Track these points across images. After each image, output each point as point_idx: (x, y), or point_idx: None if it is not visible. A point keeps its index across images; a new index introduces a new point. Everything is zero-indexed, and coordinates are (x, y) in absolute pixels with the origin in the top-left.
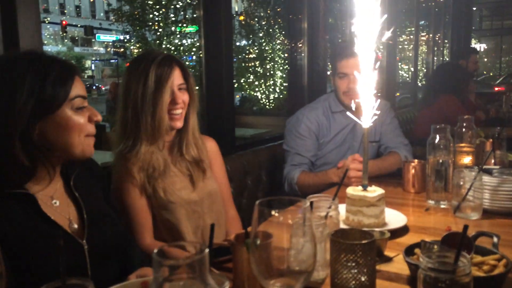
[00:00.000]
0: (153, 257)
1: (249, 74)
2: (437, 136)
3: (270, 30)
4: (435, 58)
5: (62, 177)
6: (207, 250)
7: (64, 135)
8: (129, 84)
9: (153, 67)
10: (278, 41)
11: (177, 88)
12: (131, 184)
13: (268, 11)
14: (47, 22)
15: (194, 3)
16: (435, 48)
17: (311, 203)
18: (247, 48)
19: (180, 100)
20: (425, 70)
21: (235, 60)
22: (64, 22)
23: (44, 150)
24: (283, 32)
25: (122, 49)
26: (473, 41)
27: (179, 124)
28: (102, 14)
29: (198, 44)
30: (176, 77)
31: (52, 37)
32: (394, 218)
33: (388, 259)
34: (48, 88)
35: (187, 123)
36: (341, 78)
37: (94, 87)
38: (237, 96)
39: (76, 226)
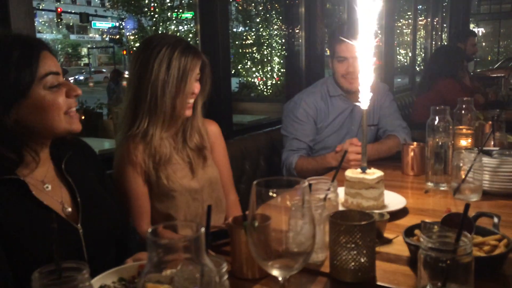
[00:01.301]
0: (148, 237)
1: (246, 60)
2: (437, 118)
3: (267, 15)
4: (434, 43)
5: (53, 160)
6: (203, 229)
7: (42, 117)
8: (148, 66)
9: (177, 54)
10: (275, 27)
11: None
12: (134, 170)
13: None
14: (41, 8)
15: None
16: (434, 33)
17: (310, 185)
18: (244, 34)
19: (197, 90)
20: (423, 55)
21: (232, 46)
22: (59, 9)
23: (24, 135)
24: (280, 18)
25: (117, 36)
26: (471, 25)
27: (189, 112)
28: (97, 1)
29: (194, 30)
30: (198, 68)
31: (47, 24)
32: (393, 200)
33: (388, 241)
34: (12, 72)
35: (195, 111)
36: (340, 61)
37: (90, 75)
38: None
39: (70, 210)
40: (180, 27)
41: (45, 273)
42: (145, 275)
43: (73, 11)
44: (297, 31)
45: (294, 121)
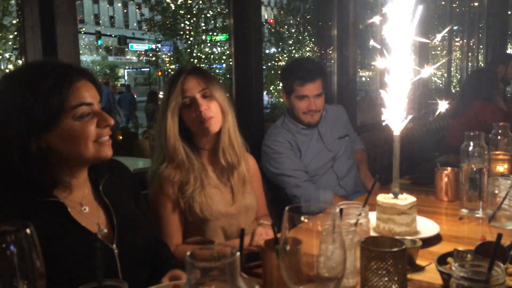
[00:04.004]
0: (186, 259)
1: (278, 81)
2: (471, 144)
3: (300, 37)
4: (470, 64)
5: (91, 183)
6: (238, 254)
7: (70, 145)
8: (157, 117)
9: (171, 88)
10: (308, 48)
11: (199, 95)
12: (166, 198)
13: (298, 19)
14: (82, 32)
15: (225, 12)
16: (469, 54)
17: (341, 209)
18: (277, 55)
19: (203, 107)
20: (459, 77)
21: (264, 67)
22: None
23: (58, 160)
24: (313, 39)
25: (153, 58)
26: (509, 45)
27: (213, 128)
28: (135, 24)
29: (228, 52)
30: (193, 87)
31: (87, 47)
32: (426, 226)
33: (420, 268)
34: (39, 103)
35: (222, 128)
36: (300, 99)
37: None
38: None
39: (106, 230)
40: (214, 49)
41: None
42: None
43: (112, 34)
44: (329, 52)
45: (281, 158)
